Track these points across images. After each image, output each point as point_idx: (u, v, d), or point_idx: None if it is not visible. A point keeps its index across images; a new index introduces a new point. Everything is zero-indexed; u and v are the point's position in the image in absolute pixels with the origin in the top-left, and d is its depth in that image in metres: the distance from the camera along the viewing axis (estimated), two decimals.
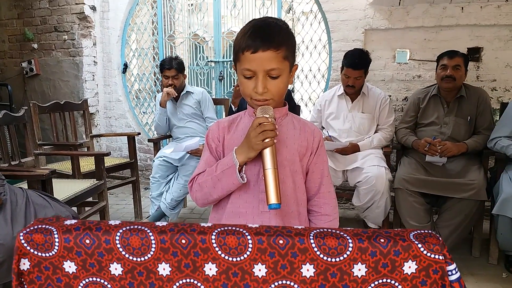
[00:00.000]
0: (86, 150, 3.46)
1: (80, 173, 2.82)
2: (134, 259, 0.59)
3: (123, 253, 0.59)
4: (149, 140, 3.42)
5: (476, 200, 2.37)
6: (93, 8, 4.18)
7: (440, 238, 0.61)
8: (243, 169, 1.11)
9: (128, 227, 0.59)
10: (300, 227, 0.60)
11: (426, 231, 0.61)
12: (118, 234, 0.58)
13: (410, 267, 0.60)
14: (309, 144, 1.19)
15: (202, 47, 4.16)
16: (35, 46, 4.28)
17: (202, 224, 0.60)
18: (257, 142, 1.03)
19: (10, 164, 2.54)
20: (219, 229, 0.59)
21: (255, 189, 1.11)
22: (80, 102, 3.52)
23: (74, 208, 2.43)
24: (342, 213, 3.52)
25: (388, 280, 0.61)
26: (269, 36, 1.04)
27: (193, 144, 2.94)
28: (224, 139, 1.20)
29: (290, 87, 3.93)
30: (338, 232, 0.60)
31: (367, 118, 2.90)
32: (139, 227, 0.59)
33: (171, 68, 3.11)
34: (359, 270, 0.60)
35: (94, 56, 4.27)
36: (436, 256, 0.59)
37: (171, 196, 3.04)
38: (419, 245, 0.59)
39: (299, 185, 1.17)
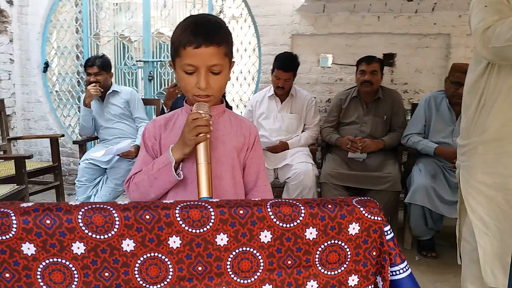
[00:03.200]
0: (2, 153, 3.20)
1: None
2: (98, 237, 0.60)
3: (86, 231, 0.60)
4: (73, 142, 3.27)
5: (393, 191, 2.62)
6: (10, 2, 3.89)
7: (377, 203, 0.70)
8: (180, 166, 1.12)
9: (90, 206, 0.60)
10: (256, 199, 0.67)
11: (365, 198, 0.71)
12: (81, 213, 0.59)
13: (354, 229, 0.69)
14: (245, 139, 1.22)
15: (130, 46, 4.07)
16: None
17: (165, 201, 0.63)
18: (190, 137, 1.03)
19: None
20: (182, 204, 0.63)
21: (192, 186, 1.10)
22: None
23: None
24: None
25: (336, 241, 0.69)
26: (211, 32, 1.07)
27: (125, 146, 2.86)
28: (161, 137, 1.20)
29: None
30: (291, 201, 0.67)
31: (295, 118, 3.06)
32: (102, 206, 0.60)
33: (93, 65, 3.04)
34: (311, 233, 0.67)
35: (10, 54, 3.97)
36: (375, 218, 0.69)
37: (100, 200, 2.93)
38: (361, 209, 0.68)
39: (237, 180, 1.20)
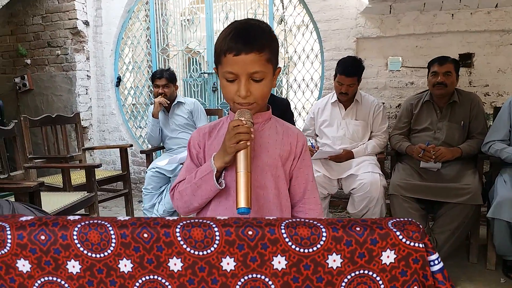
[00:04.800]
0: (78, 163, 3.42)
1: (71, 186, 2.78)
2: (93, 255, 0.55)
3: (81, 249, 0.55)
4: (141, 152, 3.40)
5: (472, 205, 2.33)
6: (86, 23, 4.20)
7: (421, 226, 0.57)
8: (222, 174, 1.08)
9: (87, 222, 0.55)
10: (271, 218, 0.57)
11: (405, 218, 0.58)
12: (76, 229, 0.55)
13: (388, 257, 0.56)
14: (292, 148, 1.16)
15: (196, 59, 4.18)
16: (28, 61, 4.28)
17: (167, 218, 0.57)
18: (230, 145, 1.00)
19: None
20: (184, 222, 0.56)
21: (235, 195, 1.07)
22: (72, 116, 3.51)
23: None
24: None
25: (366, 272, 0.57)
26: (252, 38, 1.02)
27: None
28: (205, 145, 1.17)
29: (284, 95, 3.91)
30: (311, 221, 0.56)
31: (361, 125, 2.88)
32: (99, 221, 0.55)
33: (161, 77, 3.14)
34: (334, 261, 0.56)
35: (87, 70, 4.27)
36: (416, 244, 0.56)
37: (164, 208, 3.00)
38: (398, 233, 0.56)
39: (282, 191, 1.14)
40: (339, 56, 3.19)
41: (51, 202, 2.36)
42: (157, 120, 3.22)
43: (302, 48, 3.81)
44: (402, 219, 0.57)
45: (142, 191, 3.16)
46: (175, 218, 0.57)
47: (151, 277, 0.56)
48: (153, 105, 3.22)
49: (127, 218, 0.57)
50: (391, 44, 3.45)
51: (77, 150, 3.59)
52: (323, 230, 0.55)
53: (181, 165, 2.98)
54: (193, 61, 4.18)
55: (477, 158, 2.61)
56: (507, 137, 2.44)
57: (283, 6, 3.94)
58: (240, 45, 1.01)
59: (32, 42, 4.26)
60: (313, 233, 0.55)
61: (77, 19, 4.09)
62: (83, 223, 0.55)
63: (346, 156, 2.79)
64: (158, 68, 4.13)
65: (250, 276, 0.57)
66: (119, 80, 4.35)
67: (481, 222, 2.52)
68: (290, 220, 0.56)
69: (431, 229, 2.46)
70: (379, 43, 3.48)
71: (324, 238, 0.56)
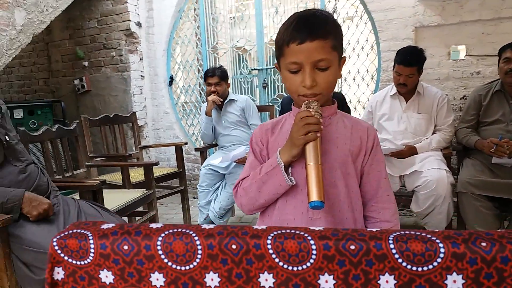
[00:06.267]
0: (135, 161, 3.51)
1: (130, 183, 2.84)
2: (178, 268, 0.51)
3: (166, 260, 0.51)
4: (196, 149, 3.42)
5: None
6: (139, 24, 4.29)
7: None
8: (289, 171, 1.02)
9: (170, 231, 0.51)
10: (374, 230, 0.50)
11: None
12: (160, 238, 0.51)
13: None
14: (362, 143, 1.08)
15: (244, 56, 4.15)
16: (86, 63, 4.45)
17: (255, 227, 0.51)
18: (299, 136, 0.94)
19: (63, 176, 2.61)
20: (275, 232, 0.50)
21: (303, 193, 0.99)
22: (129, 115, 3.59)
23: (125, 218, 2.44)
24: (399, 219, 3.32)
25: None
26: (316, 25, 0.97)
27: (240, 152, 2.91)
28: (268, 141, 1.13)
29: (338, 90, 3.79)
30: (424, 234, 0.48)
31: (424, 118, 2.71)
32: (184, 230, 0.51)
33: (213, 75, 3.14)
34: (454, 282, 0.48)
35: (141, 71, 4.37)
36: None
37: (220, 205, 3.01)
38: None
39: (353, 189, 1.07)
40: (397, 47, 3.02)
41: (113, 200, 2.42)
42: (210, 118, 3.23)
43: (356, 39, 3.66)
44: None
45: (195, 188, 3.17)
46: (264, 227, 0.51)
47: None
48: (206, 103, 3.23)
49: (212, 226, 0.52)
50: (454, 32, 3.22)
51: (134, 148, 3.68)
52: (441, 245, 0.47)
53: (235, 163, 2.97)
54: (242, 58, 4.16)
55: None
56: None
57: None
58: (303, 33, 0.96)
59: (89, 45, 4.42)
60: (428, 248, 0.47)
61: (130, 20, 4.19)
62: (166, 232, 0.51)
63: (409, 152, 2.64)
64: (209, 67, 4.15)
65: None
66: (171, 80, 4.42)
67: None
68: (399, 233, 0.48)
69: (507, 231, 2.26)
70: (440, 31, 3.27)
71: (442, 255, 0.48)
